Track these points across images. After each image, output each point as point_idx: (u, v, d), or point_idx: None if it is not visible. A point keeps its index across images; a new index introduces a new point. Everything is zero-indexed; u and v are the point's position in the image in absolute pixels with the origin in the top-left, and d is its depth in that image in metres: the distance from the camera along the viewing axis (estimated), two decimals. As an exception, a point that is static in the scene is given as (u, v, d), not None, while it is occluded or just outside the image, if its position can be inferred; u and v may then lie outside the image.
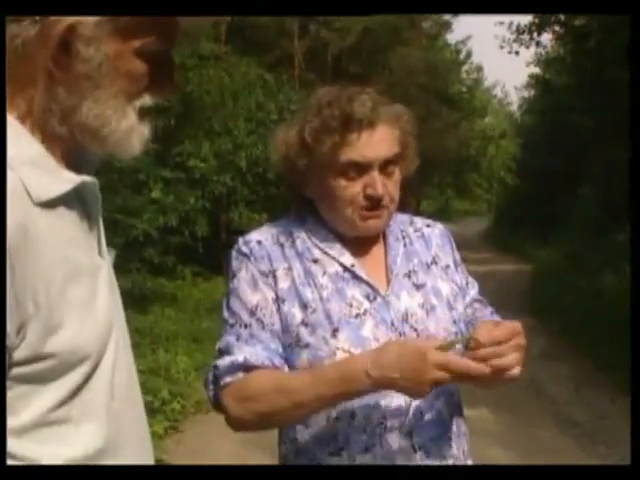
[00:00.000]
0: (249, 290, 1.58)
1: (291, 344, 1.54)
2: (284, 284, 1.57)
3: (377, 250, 1.66)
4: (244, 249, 1.62)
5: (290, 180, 1.67)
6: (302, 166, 1.59)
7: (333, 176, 1.56)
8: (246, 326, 1.56)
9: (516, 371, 1.41)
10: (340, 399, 1.46)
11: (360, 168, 1.55)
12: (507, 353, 1.39)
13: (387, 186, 1.57)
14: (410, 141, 1.64)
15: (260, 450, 4.55)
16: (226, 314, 1.60)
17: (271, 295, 1.57)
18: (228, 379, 1.52)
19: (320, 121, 1.55)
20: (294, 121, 1.65)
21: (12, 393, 0.96)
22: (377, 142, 1.55)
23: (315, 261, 1.60)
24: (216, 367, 1.55)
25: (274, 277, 1.58)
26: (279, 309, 1.56)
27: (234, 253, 1.64)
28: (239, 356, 1.53)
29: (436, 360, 1.36)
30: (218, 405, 1.55)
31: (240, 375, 1.52)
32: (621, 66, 10.22)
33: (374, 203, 1.56)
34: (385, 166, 1.57)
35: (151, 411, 5.41)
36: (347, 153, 1.54)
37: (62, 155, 1.07)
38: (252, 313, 1.56)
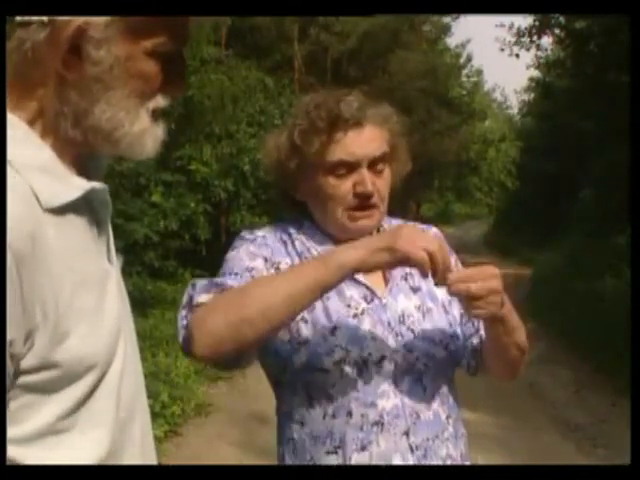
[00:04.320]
0: (247, 259, 1.56)
1: (290, 339, 1.53)
2: None
3: None
4: (249, 236, 1.63)
5: (282, 185, 1.68)
6: (293, 168, 1.61)
7: (323, 175, 1.58)
8: (236, 274, 1.51)
9: (483, 312, 1.42)
10: (322, 280, 1.36)
11: (349, 166, 1.57)
12: (479, 290, 1.39)
13: (376, 184, 1.58)
14: (400, 143, 1.66)
15: (260, 453, 4.55)
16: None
17: (266, 274, 1.55)
18: (202, 298, 1.43)
19: (308, 123, 1.58)
20: (284, 127, 1.68)
21: (19, 402, 0.95)
22: (365, 140, 1.57)
23: None
24: (193, 285, 1.48)
25: (277, 269, 1.57)
26: None
27: (236, 238, 1.64)
28: (219, 279, 1.49)
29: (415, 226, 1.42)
30: (187, 336, 1.40)
31: (215, 295, 1.44)
32: (621, 69, 10.23)
33: (364, 201, 1.58)
34: (374, 164, 1.58)
35: (151, 415, 5.37)
36: (336, 152, 1.56)
37: (72, 159, 1.06)
38: (247, 270, 1.53)
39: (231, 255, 1.59)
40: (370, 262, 1.37)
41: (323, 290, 1.39)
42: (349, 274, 1.39)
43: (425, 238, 1.36)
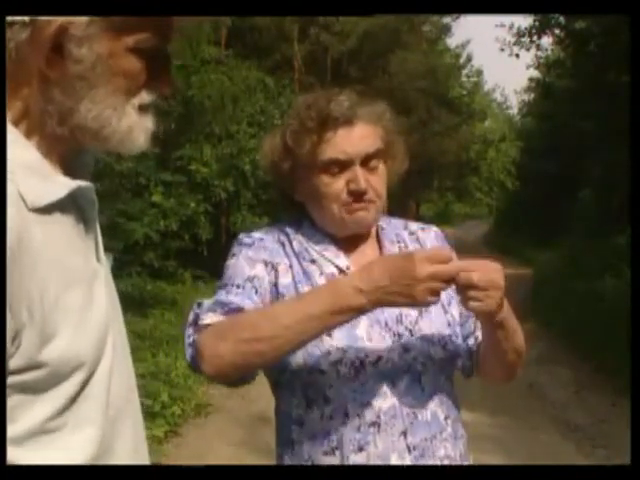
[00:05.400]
0: (247, 266, 1.58)
1: None
2: (285, 280, 1.58)
3: (372, 253, 1.66)
4: (246, 240, 1.63)
5: (280, 185, 1.69)
6: (287, 169, 1.62)
7: (316, 175, 1.59)
8: (238, 286, 1.54)
9: (481, 305, 1.39)
10: (328, 320, 1.39)
11: (342, 164, 1.57)
12: (481, 280, 1.38)
13: (370, 181, 1.58)
14: (395, 139, 1.66)
15: (259, 454, 4.55)
16: (218, 284, 1.58)
17: (268, 279, 1.57)
18: (208, 319, 1.46)
19: (299, 123, 1.59)
20: (278, 128, 1.69)
21: (8, 402, 0.95)
22: (356, 138, 1.58)
23: (312, 261, 1.62)
24: (199, 304, 1.51)
25: (276, 270, 1.58)
26: (271, 292, 1.56)
27: (235, 243, 1.65)
28: (224, 297, 1.51)
29: (423, 255, 1.38)
30: (195, 355, 1.44)
31: (221, 316, 1.47)
32: (621, 70, 10.24)
33: (358, 198, 1.58)
34: (367, 161, 1.58)
35: (151, 415, 5.41)
36: (327, 151, 1.57)
37: (59, 157, 1.06)
38: (248, 279, 1.55)
39: (231, 263, 1.60)
40: (379, 307, 1.43)
41: (331, 329, 1.45)
42: (357, 317, 1.44)
43: (440, 286, 1.35)
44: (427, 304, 1.39)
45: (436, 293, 1.36)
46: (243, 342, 1.40)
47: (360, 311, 1.40)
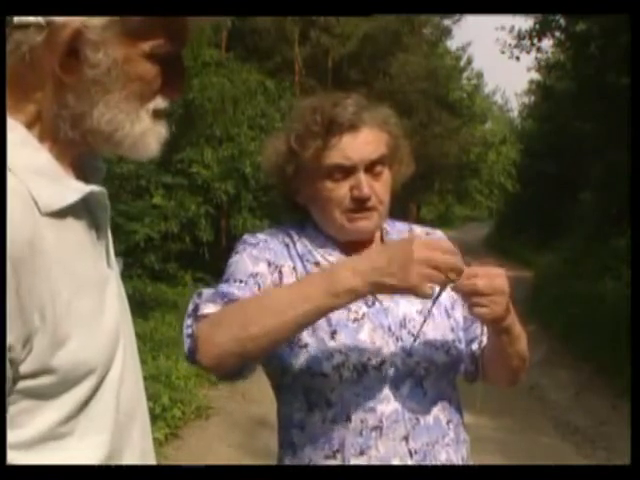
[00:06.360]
0: (251, 264, 1.56)
1: (291, 344, 1.52)
2: (289, 281, 1.57)
3: None
4: (251, 240, 1.63)
5: (282, 188, 1.69)
6: (291, 172, 1.62)
7: (320, 180, 1.58)
8: (241, 281, 1.53)
9: (487, 312, 1.40)
10: (323, 303, 1.36)
11: (345, 170, 1.57)
12: (485, 287, 1.38)
13: (374, 187, 1.58)
14: (401, 144, 1.66)
15: (259, 456, 4.55)
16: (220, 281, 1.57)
17: (271, 278, 1.56)
18: (207, 309, 1.44)
19: (304, 127, 1.58)
20: (281, 131, 1.69)
21: (18, 407, 0.95)
22: (361, 144, 1.57)
23: (316, 264, 1.61)
24: (199, 294, 1.49)
25: (280, 272, 1.58)
26: None
27: (239, 243, 1.64)
28: (225, 289, 1.49)
29: (423, 240, 1.37)
30: (192, 346, 1.42)
31: (221, 307, 1.45)
32: (621, 72, 10.25)
33: (361, 204, 1.57)
34: (371, 167, 1.58)
35: (152, 417, 5.35)
36: (331, 157, 1.56)
37: (71, 161, 1.06)
38: (251, 276, 1.54)
39: (234, 260, 1.59)
40: (375, 292, 1.40)
41: (326, 313, 1.41)
42: (354, 301, 1.40)
43: (435, 274, 1.31)
44: (423, 294, 1.32)
45: (431, 280, 1.31)
46: (238, 327, 1.37)
47: (356, 294, 1.36)
